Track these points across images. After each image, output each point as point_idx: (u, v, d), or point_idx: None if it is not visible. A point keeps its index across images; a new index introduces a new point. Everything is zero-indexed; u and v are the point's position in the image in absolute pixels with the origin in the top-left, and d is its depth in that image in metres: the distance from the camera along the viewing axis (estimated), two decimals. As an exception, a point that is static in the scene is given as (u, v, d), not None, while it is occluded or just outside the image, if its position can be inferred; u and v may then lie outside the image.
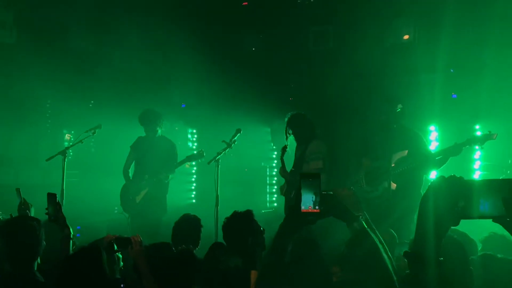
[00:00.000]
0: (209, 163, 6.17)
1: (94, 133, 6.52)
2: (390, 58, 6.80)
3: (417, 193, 4.99)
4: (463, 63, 6.44)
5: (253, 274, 2.94)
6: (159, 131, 6.64)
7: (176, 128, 8.71)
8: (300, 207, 1.86)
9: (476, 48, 6.23)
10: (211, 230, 5.77)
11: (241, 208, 3.43)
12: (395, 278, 1.85)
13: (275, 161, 8.55)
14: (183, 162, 6.73)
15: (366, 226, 1.96)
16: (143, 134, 6.71)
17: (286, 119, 5.85)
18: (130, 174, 6.71)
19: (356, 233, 1.94)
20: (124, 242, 3.19)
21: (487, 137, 4.83)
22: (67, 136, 9.04)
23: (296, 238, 2.09)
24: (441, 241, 1.40)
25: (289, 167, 5.93)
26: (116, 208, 7.69)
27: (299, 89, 7.76)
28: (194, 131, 9.06)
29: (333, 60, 7.19)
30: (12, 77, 7.82)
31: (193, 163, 7.75)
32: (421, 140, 5.33)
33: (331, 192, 2.00)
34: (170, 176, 6.60)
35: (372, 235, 1.96)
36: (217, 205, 5.97)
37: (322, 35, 7.35)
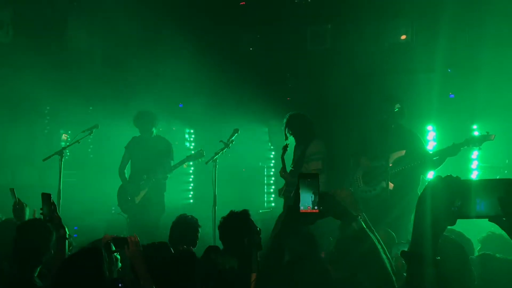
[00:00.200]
0: (206, 163, 6.17)
1: (91, 133, 6.51)
2: (387, 58, 6.80)
3: (414, 193, 4.99)
4: (461, 63, 6.45)
5: (253, 275, 2.93)
6: (155, 131, 6.64)
7: (174, 128, 8.69)
8: (299, 207, 1.86)
9: (473, 48, 6.24)
10: (209, 230, 5.77)
11: (239, 208, 3.42)
12: (393, 278, 1.85)
13: (273, 161, 8.54)
14: (183, 161, 6.73)
15: (365, 226, 1.96)
16: (138, 134, 6.70)
17: (285, 120, 5.84)
18: (126, 175, 6.70)
19: (355, 233, 1.94)
20: (121, 242, 3.18)
21: (485, 138, 4.84)
22: (64, 136, 9.02)
23: (295, 237, 2.08)
24: (438, 240, 1.40)
25: (288, 166, 5.92)
26: (113, 208, 7.67)
27: (296, 89, 7.75)
28: (192, 131, 9.05)
29: (331, 60, 7.19)
30: (9, 77, 7.79)
31: (191, 163, 7.74)
32: (419, 140, 5.34)
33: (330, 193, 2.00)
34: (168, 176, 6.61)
35: (371, 235, 1.96)
36: (215, 205, 5.97)
37: (320, 34, 7.35)
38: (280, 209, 6.59)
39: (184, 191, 8.86)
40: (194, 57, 7.48)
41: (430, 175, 5.44)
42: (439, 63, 6.09)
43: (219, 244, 4.24)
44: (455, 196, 1.37)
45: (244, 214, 3.33)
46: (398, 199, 5.01)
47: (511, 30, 5.94)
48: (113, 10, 7.41)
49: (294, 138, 5.84)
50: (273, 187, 8.53)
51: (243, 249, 3.08)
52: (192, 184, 8.95)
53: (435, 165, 5.07)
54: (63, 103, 8.18)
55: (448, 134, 6.12)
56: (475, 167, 6.41)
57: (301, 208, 1.86)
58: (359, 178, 5.37)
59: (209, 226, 5.83)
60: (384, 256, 1.93)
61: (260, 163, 8.68)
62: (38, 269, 3.12)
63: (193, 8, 7.81)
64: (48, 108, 8.77)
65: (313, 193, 1.86)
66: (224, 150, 6.13)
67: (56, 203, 3.60)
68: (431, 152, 5.32)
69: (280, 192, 6.00)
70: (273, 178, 8.57)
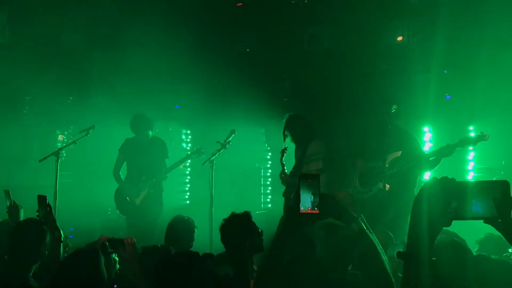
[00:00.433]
0: (203, 164, 6.16)
1: (87, 134, 6.49)
2: (384, 60, 6.81)
3: (410, 194, 5.00)
4: (457, 65, 6.47)
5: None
6: (151, 134, 6.64)
7: (170, 129, 8.68)
8: (299, 208, 1.86)
9: (469, 49, 6.26)
10: (205, 231, 5.76)
11: (236, 209, 3.42)
12: (393, 280, 1.85)
13: (270, 162, 8.54)
14: (182, 160, 6.75)
15: (365, 227, 1.96)
16: (130, 136, 6.70)
17: (284, 120, 5.83)
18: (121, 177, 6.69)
19: (355, 234, 1.94)
20: (117, 244, 3.17)
21: (479, 138, 4.86)
22: (60, 137, 8.99)
23: (294, 237, 2.09)
24: (434, 241, 1.40)
25: (288, 169, 5.92)
26: (109, 209, 7.66)
27: (293, 90, 7.76)
28: (188, 132, 9.03)
29: (328, 61, 7.20)
30: (5, 77, 7.77)
31: (187, 163, 7.73)
32: (415, 141, 5.35)
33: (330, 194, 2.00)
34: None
35: (371, 236, 1.96)
36: (211, 206, 5.97)
37: (317, 35, 7.36)
38: (277, 210, 6.59)
39: (180, 192, 8.85)
40: (191, 57, 7.47)
41: (427, 176, 5.45)
42: (436, 64, 6.11)
43: (216, 244, 4.25)
44: (451, 198, 1.38)
45: (246, 216, 3.31)
46: (394, 200, 5.02)
47: (508, 31, 5.96)
48: (109, 9, 7.41)
49: (294, 139, 5.84)
50: (269, 188, 8.52)
51: (244, 251, 3.06)
52: (188, 185, 8.94)
53: (431, 165, 5.08)
54: (60, 103, 8.16)
55: (444, 135, 6.13)
56: (471, 168, 6.43)
57: (301, 208, 1.86)
58: (355, 179, 5.37)
59: (206, 227, 5.83)
60: (384, 257, 1.93)
61: (257, 164, 8.67)
62: (34, 269, 3.11)
63: (190, 9, 7.81)
64: (44, 109, 8.74)
65: (314, 194, 1.86)
66: (221, 151, 6.12)
67: (52, 204, 3.60)
68: (427, 153, 5.33)
69: (282, 179, 5.94)
70: (269, 179, 8.56)
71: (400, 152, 5.14)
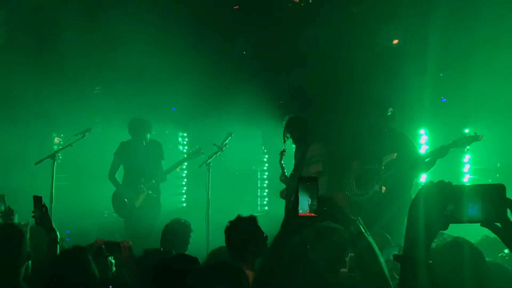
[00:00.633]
0: (200, 166, 6.17)
1: (84, 136, 6.48)
2: (380, 62, 6.84)
3: (407, 196, 5.02)
4: (452, 67, 6.50)
5: (249, 276, 2.92)
6: (148, 138, 6.65)
7: (167, 132, 8.69)
8: (298, 211, 1.87)
9: (465, 52, 6.28)
10: (202, 234, 5.76)
11: (232, 211, 3.42)
12: (391, 283, 1.86)
13: (266, 165, 8.55)
14: (183, 160, 6.77)
15: (363, 230, 1.97)
16: (125, 139, 6.69)
17: (284, 122, 5.84)
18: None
19: (353, 237, 1.95)
20: (113, 247, 3.17)
21: (473, 139, 4.88)
22: (56, 140, 8.98)
23: (293, 239, 2.09)
24: (431, 244, 1.41)
25: (288, 171, 5.94)
26: (106, 212, 7.65)
27: (290, 93, 7.78)
28: (185, 134, 9.04)
29: (324, 63, 7.22)
30: (1, 79, 7.75)
31: (184, 166, 7.74)
32: (411, 143, 5.37)
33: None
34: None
35: (369, 238, 1.97)
36: (208, 208, 5.97)
37: (313, 38, 7.38)
38: (274, 212, 6.60)
39: (177, 194, 8.85)
40: (188, 60, 7.48)
41: (423, 178, 5.47)
42: (431, 67, 6.12)
43: (212, 247, 4.24)
44: (448, 201, 1.39)
45: (252, 219, 3.30)
46: (390, 202, 5.03)
47: (503, 33, 5.99)
48: (107, 12, 7.40)
49: (294, 142, 5.85)
50: (266, 190, 8.54)
51: (248, 255, 3.05)
52: (185, 188, 8.94)
53: (426, 167, 5.09)
54: (56, 105, 8.14)
55: (440, 137, 6.15)
56: (467, 171, 6.45)
57: (300, 211, 1.87)
58: (352, 182, 5.39)
59: (202, 229, 5.83)
60: (382, 260, 1.94)
61: (253, 167, 8.69)
62: (23, 272, 3.08)
63: (186, 12, 7.82)
64: (40, 110, 8.72)
65: (312, 196, 1.87)
66: (218, 154, 6.13)
67: (48, 206, 3.58)
68: (422, 155, 5.35)
69: (282, 194, 5.98)
70: (266, 182, 8.58)
71: (396, 154, 5.16)
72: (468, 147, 4.96)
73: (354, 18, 6.95)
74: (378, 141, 5.22)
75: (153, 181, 6.50)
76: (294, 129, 5.78)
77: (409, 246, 1.43)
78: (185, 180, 8.90)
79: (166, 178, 6.65)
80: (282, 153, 5.98)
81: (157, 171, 6.56)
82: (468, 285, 1.92)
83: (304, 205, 1.87)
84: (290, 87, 7.75)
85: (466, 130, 6.20)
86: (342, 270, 3.12)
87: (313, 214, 1.86)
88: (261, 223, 3.41)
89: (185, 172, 8.81)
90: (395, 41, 6.83)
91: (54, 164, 6.22)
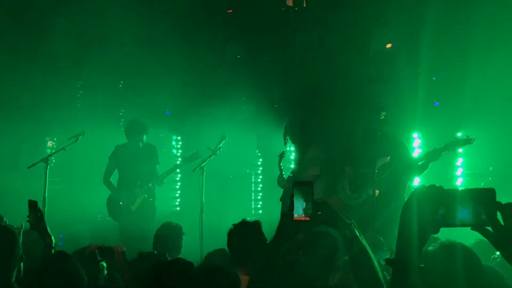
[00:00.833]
0: (194, 170, 6.16)
1: (77, 140, 6.45)
2: (373, 66, 6.87)
3: (400, 200, 5.03)
4: (445, 71, 6.54)
5: (244, 281, 2.91)
6: (145, 139, 6.63)
7: (161, 135, 8.66)
8: (293, 215, 1.87)
9: (457, 56, 6.33)
10: (195, 237, 5.75)
11: (226, 215, 3.42)
12: (385, 287, 1.87)
13: (260, 168, 8.55)
14: (180, 164, 6.76)
15: (358, 234, 1.97)
16: (120, 142, 6.67)
17: (284, 125, 5.86)
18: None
19: (347, 241, 1.95)
20: (107, 252, 3.16)
21: (465, 142, 4.91)
22: (49, 143, 8.92)
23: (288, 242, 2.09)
24: (422, 248, 1.42)
25: (286, 174, 5.94)
26: (99, 216, 7.60)
27: (284, 96, 7.78)
28: (179, 138, 9.02)
29: (318, 67, 7.24)
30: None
31: (177, 170, 7.72)
32: (404, 146, 5.39)
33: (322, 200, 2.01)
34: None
35: (364, 242, 1.98)
36: (202, 212, 5.97)
37: (307, 43, 7.40)
38: (268, 216, 6.59)
39: (171, 198, 8.82)
40: (182, 64, 7.47)
41: (416, 181, 5.49)
42: (424, 71, 6.16)
43: (206, 250, 4.24)
44: (439, 205, 1.40)
45: (256, 224, 3.27)
46: (383, 205, 5.04)
47: (496, 37, 6.04)
48: (102, 14, 7.39)
49: (294, 144, 5.86)
50: (260, 194, 8.53)
51: (249, 259, 3.01)
52: (179, 191, 8.91)
53: (419, 170, 5.11)
54: (49, 109, 8.10)
55: (433, 141, 6.17)
56: (460, 174, 6.48)
57: (295, 215, 1.87)
58: (345, 185, 5.39)
59: (196, 233, 5.82)
60: (376, 264, 1.95)
61: (247, 170, 8.68)
62: (14, 275, 3.05)
63: (180, 16, 7.82)
64: (33, 114, 8.68)
65: (307, 200, 1.87)
66: (212, 157, 6.13)
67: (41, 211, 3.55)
68: (415, 158, 5.37)
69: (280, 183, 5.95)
70: (260, 185, 8.57)
71: (389, 157, 5.18)
72: (460, 150, 4.98)
73: (347, 23, 6.97)
74: (371, 145, 5.24)
75: (150, 184, 6.48)
76: (293, 132, 5.79)
77: (401, 250, 1.44)
78: (179, 183, 8.87)
79: (164, 182, 6.63)
80: (282, 155, 5.99)
81: (152, 174, 6.54)
82: None
83: (299, 209, 1.87)
84: (284, 90, 7.76)
85: (459, 134, 6.23)
86: (336, 274, 3.13)
87: (308, 218, 1.86)
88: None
89: (179, 175, 8.79)
90: (389, 45, 6.87)
91: (47, 168, 6.19)
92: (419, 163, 5.07)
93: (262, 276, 2.08)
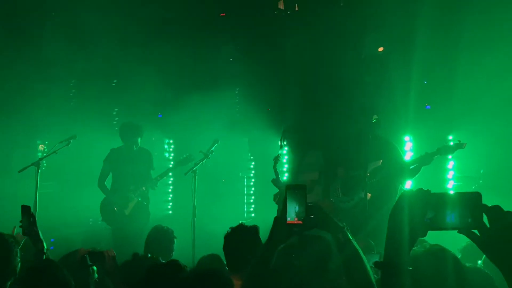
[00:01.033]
0: (186, 173, 6.15)
1: (68, 143, 6.42)
2: (365, 70, 6.90)
3: (392, 203, 5.02)
4: (436, 75, 6.58)
5: (238, 286, 2.91)
6: (139, 141, 6.62)
7: (153, 139, 8.63)
8: (286, 219, 1.87)
9: (449, 60, 6.37)
10: (188, 241, 5.74)
11: (218, 218, 3.41)
12: None
13: (253, 171, 8.55)
14: (173, 168, 6.74)
15: (350, 238, 1.98)
16: (116, 145, 6.65)
17: (282, 129, 5.87)
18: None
19: (340, 244, 1.96)
20: (97, 257, 3.14)
21: (457, 146, 4.95)
22: (40, 147, 8.87)
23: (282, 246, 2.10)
24: (410, 251, 1.43)
25: (281, 177, 5.95)
26: (91, 220, 7.56)
27: (276, 100, 7.80)
28: (171, 141, 8.99)
29: (310, 71, 7.26)
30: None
31: (169, 173, 7.70)
32: (396, 150, 5.41)
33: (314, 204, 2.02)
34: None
35: (356, 246, 1.98)
36: (194, 215, 5.96)
37: (299, 46, 7.43)
38: (260, 219, 6.58)
39: (163, 202, 8.79)
40: (174, 67, 7.47)
41: (408, 185, 5.51)
42: (415, 74, 6.20)
43: (198, 254, 4.23)
44: (427, 208, 1.41)
45: (254, 229, 3.25)
46: (375, 209, 5.06)
47: (487, 41, 6.09)
48: (93, 22, 7.36)
49: (292, 148, 5.87)
50: (253, 197, 8.52)
51: (244, 264, 3.00)
52: (171, 195, 8.88)
53: (411, 174, 5.14)
54: (41, 112, 8.05)
55: (425, 144, 6.21)
56: (451, 177, 6.52)
57: (288, 219, 1.87)
58: (337, 188, 5.41)
59: (188, 237, 5.80)
60: (369, 268, 1.95)
61: (240, 174, 8.67)
62: (9, 282, 3.03)
63: (172, 18, 7.82)
64: (24, 116, 8.62)
65: (300, 204, 1.87)
66: (204, 161, 6.12)
67: (32, 215, 3.53)
68: (407, 162, 5.40)
69: (275, 198, 5.97)
70: (253, 188, 8.57)
71: (381, 161, 5.20)
72: (452, 154, 5.02)
73: (340, 26, 7.01)
74: (363, 148, 5.25)
75: (143, 188, 6.46)
76: (292, 137, 5.80)
77: (390, 252, 1.45)
78: (171, 187, 8.84)
79: (157, 185, 6.61)
80: (277, 158, 6.00)
81: (146, 178, 6.52)
82: None
83: (292, 212, 1.88)
84: (276, 94, 7.78)
85: (450, 137, 6.28)
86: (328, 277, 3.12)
87: (300, 222, 1.87)
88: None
89: (171, 179, 8.76)
90: (380, 49, 6.90)
91: (38, 171, 6.15)
92: (411, 166, 5.10)
93: (254, 279, 2.08)
